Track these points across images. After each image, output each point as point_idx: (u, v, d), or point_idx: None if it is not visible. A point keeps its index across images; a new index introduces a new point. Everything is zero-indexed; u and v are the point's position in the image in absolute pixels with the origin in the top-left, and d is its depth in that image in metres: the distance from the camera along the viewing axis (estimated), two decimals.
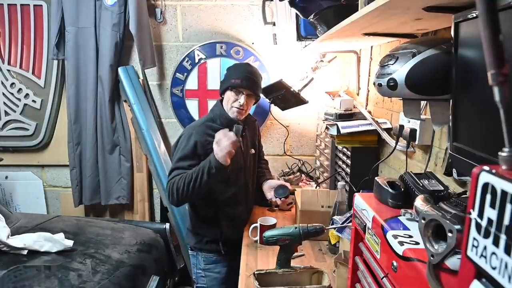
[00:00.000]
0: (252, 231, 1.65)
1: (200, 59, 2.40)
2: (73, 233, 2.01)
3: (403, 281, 0.67)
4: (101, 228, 2.14)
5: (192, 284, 2.33)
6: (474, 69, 0.75)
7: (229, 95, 1.66)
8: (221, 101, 1.73)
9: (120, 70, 2.39)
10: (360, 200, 0.91)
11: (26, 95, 2.52)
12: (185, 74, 2.43)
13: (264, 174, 1.92)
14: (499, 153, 0.41)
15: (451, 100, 0.85)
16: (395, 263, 0.69)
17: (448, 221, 0.54)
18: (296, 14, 1.76)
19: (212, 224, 1.73)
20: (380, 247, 0.76)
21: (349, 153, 1.75)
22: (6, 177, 2.67)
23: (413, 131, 1.26)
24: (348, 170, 1.74)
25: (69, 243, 1.83)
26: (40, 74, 2.49)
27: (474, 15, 0.72)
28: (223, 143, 1.51)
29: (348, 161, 1.75)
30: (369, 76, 1.88)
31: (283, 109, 2.18)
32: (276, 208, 2.06)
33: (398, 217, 0.79)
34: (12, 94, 2.52)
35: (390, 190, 0.87)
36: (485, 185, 0.41)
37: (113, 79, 2.37)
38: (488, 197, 0.41)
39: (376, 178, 0.93)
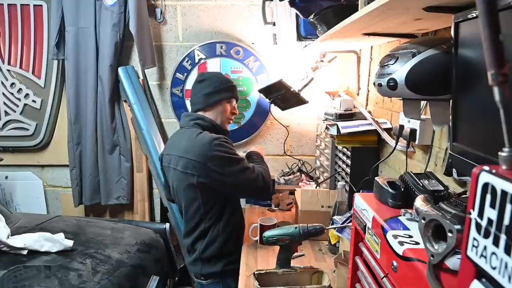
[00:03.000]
0: (252, 231, 1.65)
1: (200, 59, 2.40)
2: (73, 233, 2.01)
3: (403, 281, 0.67)
4: (101, 228, 2.14)
5: (192, 284, 2.34)
6: (474, 69, 0.75)
7: (225, 106, 1.66)
8: (194, 111, 1.67)
9: (120, 70, 2.39)
10: (360, 200, 0.91)
11: (26, 95, 2.52)
12: (185, 74, 2.43)
13: None
14: (499, 153, 0.41)
15: (451, 100, 0.85)
16: (395, 263, 0.69)
17: (448, 221, 0.54)
18: (296, 14, 1.76)
19: (236, 234, 1.63)
20: (380, 247, 0.76)
21: (349, 153, 1.75)
22: (6, 177, 2.67)
23: (413, 131, 1.26)
24: (348, 170, 1.74)
25: (69, 243, 1.83)
26: (40, 74, 2.49)
27: (474, 15, 0.72)
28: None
29: (348, 161, 1.74)
30: (369, 76, 1.88)
31: (283, 109, 2.18)
32: (276, 208, 2.06)
33: (398, 217, 0.79)
34: (12, 94, 2.52)
35: (390, 190, 0.87)
36: (485, 185, 0.41)
37: (113, 79, 2.37)
38: (488, 197, 0.41)
39: (376, 178, 0.92)
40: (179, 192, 1.60)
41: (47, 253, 1.78)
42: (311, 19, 1.40)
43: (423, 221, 0.60)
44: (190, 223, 1.60)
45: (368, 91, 1.90)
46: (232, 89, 1.69)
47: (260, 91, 2.13)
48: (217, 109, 1.65)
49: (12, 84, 2.51)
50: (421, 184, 0.86)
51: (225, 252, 1.59)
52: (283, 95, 2.04)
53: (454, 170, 1.06)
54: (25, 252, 1.76)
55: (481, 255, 0.42)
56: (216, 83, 1.64)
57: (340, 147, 1.86)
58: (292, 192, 2.09)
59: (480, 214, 0.42)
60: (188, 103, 2.46)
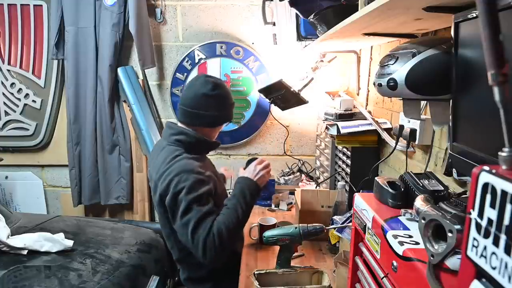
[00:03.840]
0: (252, 231, 1.65)
1: (200, 59, 2.40)
2: (73, 233, 2.01)
3: (403, 281, 0.67)
4: (101, 228, 2.14)
5: None
6: (474, 69, 0.75)
7: (220, 127, 1.53)
8: (185, 122, 1.45)
9: (119, 70, 2.39)
10: (360, 200, 0.91)
11: (26, 95, 2.52)
12: (185, 74, 2.43)
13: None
14: (499, 153, 0.41)
15: (451, 100, 0.85)
16: (395, 263, 0.69)
17: (448, 221, 0.54)
18: (296, 14, 1.76)
19: (229, 262, 1.44)
20: (380, 247, 0.76)
21: (349, 153, 1.75)
22: (6, 177, 2.67)
23: (413, 131, 1.26)
24: (348, 170, 1.74)
25: (69, 243, 1.83)
26: (40, 74, 2.49)
27: (474, 15, 0.72)
28: (265, 175, 1.44)
29: (348, 161, 1.74)
30: (369, 76, 1.88)
31: (283, 109, 2.18)
32: (276, 208, 2.06)
33: (398, 217, 0.79)
34: (12, 94, 2.52)
35: (390, 190, 0.87)
36: (485, 185, 0.41)
37: (112, 79, 2.37)
38: (488, 197, 0.41)
39: (376, 178, 0.92)
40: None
41: (47, 253, 1.78)
42: (311, 19, 1.40)
43: (423, 221, 0.60)
44: (168, 243, 1.50)
45: (368, 91, 1.90)
46: (232, 110, 1.51)
47: (260, 91, 2.13)
48: (216, 130, 1.52)
49: (12, 84, 2.51)
50: (421, 184, 0.86)
51: (216, 275, 1.47)
52: (283, 95, 2.04)
53: (454, 170, 1.06)
54: (25, 252, 1.76)
55: (481, 255, 0.42)
56: (223, 102, 1.45)
57: (340, 147, 1.86)
58: (292, 192, 2.09)
59: (480, 214, 0.42)
60: None
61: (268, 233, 1.29)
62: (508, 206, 0.38)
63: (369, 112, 1.76)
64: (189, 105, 1.42)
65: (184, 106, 1.43)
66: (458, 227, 0.52)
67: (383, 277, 0.76)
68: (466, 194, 0.86)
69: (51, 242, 1.80)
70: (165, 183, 1.30)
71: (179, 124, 1.47)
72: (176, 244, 1.44)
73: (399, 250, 0.67)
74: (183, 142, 1.41)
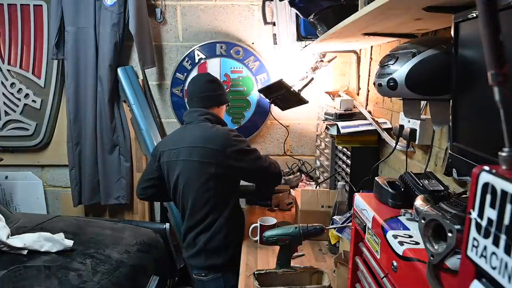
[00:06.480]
0: (252, 231, 1.65)
1: (200, 59, 2.40)
2: (73, 233, 2.01)
3: (403, 281, 0.67)
4: (101, 228, 2.14)
5: (192, 284, 2.33)
6: (474, 69, 0.75)
7: (225, 108, 1.87)
8: (204, 107, 1.74)
9: (119, 70, 2.38)
10: (360, 200, 0.91)
11: (26, 95, 2.52)
12: (185, 74, 2.43)
13: None
14: (499, 153, 0.41)
15: (451, 100, 0.85)
16: (395, 263, 0.69)
17: (448, 221, 0.54)
18: (296, 14, 1.76)
19: (240, 225, 1.76)
20: (380, 247, 0.76)
21: (349, 153, 1.75)
22: (6, 177, 2.67)
23: (413, 131, 1.26)
24: (348, 170, 1.74)
25: (69, 243, 1.83)
26: (40, 74, 2.49)
27: (474, 15, 0.72)
28: None
29: (348, 161, 1.74)
30: (369, 76, 1.88)
31: (283, 109, 2.18)
32: (276, 208, 2.06)
33: (398, 217, 0.79)
34: (12, 94, 2.52)
35: (390, 190, 0.87)
36: (485, 185, 0.41)
37: (112, 79, 2.37)
38: (488, 197, 0.41)
39: (376, 178, 0.93)
40: (189, 184, 1.61)
41: (47, 253, 1.78)
42: (311, 19, 1.40)
43: (423, 221, 0.60)
44: (196, 217, 1.62)
45: (368, 91, 1.90)
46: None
47: (260, 91, 2.13)
48: (222, 109, 1.82)
49: (12, 84, 2.51)
50: (421, 184, 0.86)
51: (229, 243, 1.62)
52: (283, 95, 2.04)
53: (454, 170, 1.06)
54: (25, 252, 1.76)
55: (481, 255, 0.42)
56: (222, 86, 1.84)
57: (340, 147, 1.86)
58: (292, 192, 2.09)
59: (480, 214, 0.42)
60: None
61: (268, 233, 1.30)
62: (508, 206, 0.38)
63: (369, 112, 1.76)
64: (200, 91, 1.76)
65: (197, 93, 1.76)
66: (458, 227, 0.52)
67: (383, 277, 0.76)
68: (466, 194, 0.86)
69: (51, 242, 1.80)
70: (218, 140, 1.58)
71: None
72: (216, 207, 1.61)
73: (399, 250, 0.67)
74: (211, 120, 1.69)
